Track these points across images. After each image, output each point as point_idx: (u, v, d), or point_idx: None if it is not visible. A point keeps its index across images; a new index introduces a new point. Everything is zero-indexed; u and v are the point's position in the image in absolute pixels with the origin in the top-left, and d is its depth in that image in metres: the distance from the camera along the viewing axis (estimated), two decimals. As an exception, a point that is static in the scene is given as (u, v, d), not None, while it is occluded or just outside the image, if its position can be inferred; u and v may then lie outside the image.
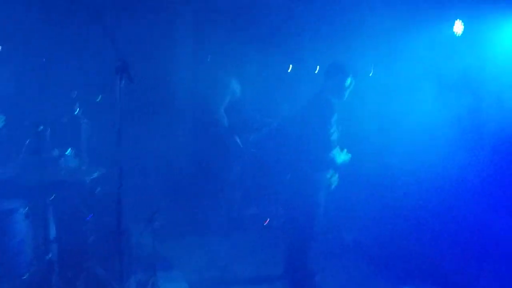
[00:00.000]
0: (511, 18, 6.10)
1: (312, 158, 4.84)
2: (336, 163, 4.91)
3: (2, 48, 6.09)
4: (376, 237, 6.19)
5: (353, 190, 6.32)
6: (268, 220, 6.58)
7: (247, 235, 6.35)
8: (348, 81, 4.80)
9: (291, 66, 8.54)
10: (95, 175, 4.75)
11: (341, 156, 4.97)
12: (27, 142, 4.78)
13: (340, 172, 5.07)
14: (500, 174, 5.85)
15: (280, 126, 7.23)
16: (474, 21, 6.68)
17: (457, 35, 6.76)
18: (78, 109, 5.07)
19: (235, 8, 7.79)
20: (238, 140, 6.83)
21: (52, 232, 4.57)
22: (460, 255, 5.67)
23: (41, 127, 4.48)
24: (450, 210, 6.15)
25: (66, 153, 5.09)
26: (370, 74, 9.05)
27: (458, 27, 7.11)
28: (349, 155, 5.06)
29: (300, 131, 4.92)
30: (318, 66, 8.49)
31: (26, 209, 4.48)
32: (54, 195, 4.54)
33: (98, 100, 5.49)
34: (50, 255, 4.45)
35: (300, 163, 4.90)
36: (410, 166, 6.56)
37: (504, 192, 5.82)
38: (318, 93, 4.90)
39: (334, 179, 5.02)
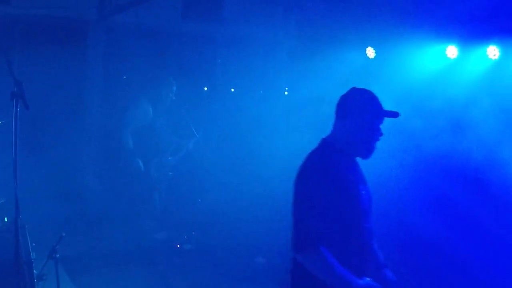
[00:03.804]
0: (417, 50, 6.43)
1: None
2: None
3: None
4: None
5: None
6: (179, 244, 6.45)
7: (158, 261, 6.13)
8: None
9: (206, 88, 8.58)
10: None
11: None
12: None
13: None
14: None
15: (195, 147, 7.18)
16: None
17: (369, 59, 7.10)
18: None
19: (151, 33, 7.80)
20: (140, 164, 6.66)
21: None
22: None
23: None
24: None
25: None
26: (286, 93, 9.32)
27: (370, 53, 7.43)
28: None
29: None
30: (232, 89, 8.60)
31: None
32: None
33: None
34: None
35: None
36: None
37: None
38: None
39: None
